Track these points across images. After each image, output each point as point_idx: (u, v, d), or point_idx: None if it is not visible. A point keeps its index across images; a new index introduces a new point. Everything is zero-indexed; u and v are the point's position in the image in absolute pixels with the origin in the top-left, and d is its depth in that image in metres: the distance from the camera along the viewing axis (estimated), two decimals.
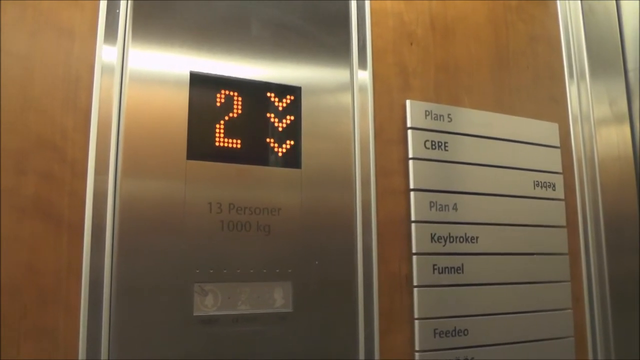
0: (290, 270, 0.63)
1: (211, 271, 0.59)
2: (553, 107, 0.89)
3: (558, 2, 0.96)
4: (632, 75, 1.00)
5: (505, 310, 0.75)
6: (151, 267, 0.57)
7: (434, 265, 0.70)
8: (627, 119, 0.98)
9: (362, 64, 0.72)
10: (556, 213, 0.82)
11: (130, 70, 0.59)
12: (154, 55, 0.60)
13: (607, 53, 0.99)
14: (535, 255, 0.79)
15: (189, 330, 0.57)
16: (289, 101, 0.66)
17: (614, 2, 1.02)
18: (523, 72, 0.88)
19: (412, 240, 0.70)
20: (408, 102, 0.74)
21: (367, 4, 0.75)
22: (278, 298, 0.62)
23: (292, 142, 0.65)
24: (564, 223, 0.83)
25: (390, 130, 0.73)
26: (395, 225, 0.71)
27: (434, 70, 0.79)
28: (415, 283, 0.70)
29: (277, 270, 0.62)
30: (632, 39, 1.02)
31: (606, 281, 0.86)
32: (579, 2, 0.95)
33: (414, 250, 0.70)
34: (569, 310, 0.81)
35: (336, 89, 0.69)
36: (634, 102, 1.00)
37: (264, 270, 0.61)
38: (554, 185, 0.83)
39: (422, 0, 0.81)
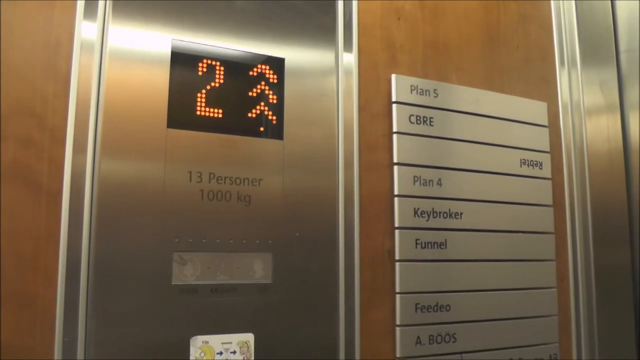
0: (270, 242, 0.62)
1: (190, 240, 0.59)
2: (543, 87, 0.89)
3: None
4: (624, 57, 0.99)
5: (488, 287, 0.75)
6: (130, 234, 0.56)
7: (416, 240, 0.70)
8: (618, 105, 0.98)
9: (348, 39, 0.72)
10: (543, 192, 0.82)
11: (111, 36, 0.58)
12: (136, 22, 0.59)
13: (599, 36, 0.98)
14: (520, 233, 0.79)
15: (167, 298, 0.57)
16: (272, 72, 0.65)
17: None
18: (514, 51, 0.87)
19: (395, 215, 0.70)
20: (394, 76, 0.73)
21: None
22: (258, 269, 0.62)
23: (275, 114, 0.65)
24: (550, 202, 0.83)
25: (375, 104, 0.73)
26: (378, 200, 0.70)
27: (422, 46, 0.79)
28: (397, 257, 0.69)
29: (257, 242, 0.62)
30: (626, 22, 1.01)
31: (592, 262, 0.86)
32: None
33: (396, 225, 0.70)
34: (553, 289, 0.82)
35: (321, 63, 0.69)
36: (626, 88, 0.99)
37: (244, 241, 0.61)
38: (541, 164, 0.82)
39: None
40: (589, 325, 0.85)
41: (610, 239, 0.90)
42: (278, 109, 0.65)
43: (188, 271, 0.59)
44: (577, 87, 0.91)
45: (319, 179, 0.66)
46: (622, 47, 0.99)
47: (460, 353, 0.71)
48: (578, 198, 0.87)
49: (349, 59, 0.71)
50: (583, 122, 0.90)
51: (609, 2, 1.01)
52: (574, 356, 0.84)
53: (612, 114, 0.95)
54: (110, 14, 0.59)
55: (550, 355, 0.79)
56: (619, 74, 0.98)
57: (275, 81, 0.65)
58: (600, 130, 0.92)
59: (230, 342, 0.59)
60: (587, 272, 0.86)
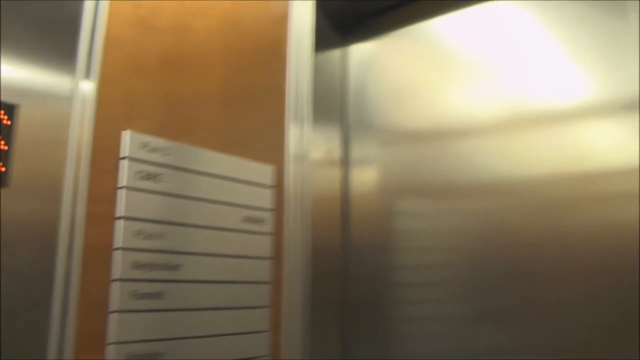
0: None
1: None
2: (273, 150, 1.00)
3: (288, 53, 1.07)
4: (352, 122, 1.17)
5: (202, 334, 0.81)
6: None
7: (133, 291, 0.73)
8: (340, 164, 1.15)
9: (86, 89, 0.73)
10: (262, 246, 0.92)
11: None
12: None
13: (329, 104, 1.15)
14: (238, 284, 0.87)
15: None
16: (6, 117, 0.64)
17: (340, 63, 1.19)
18: (249, 115, 0.97)
19: (114, 267, 0.72)
20: (127, 132, 0.77)
21: (101, 29, 0.76)
22: None
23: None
24: (268, 255, 0.93)
25: (106, 158, 0.75)
26: (99, 251, 0.72)
27: (160, 104, 0.83)
28: (113, 308, 0.72)
29: None
30: (354, 93, 1.19)
31: (305, 306, 0.99)
32: (311, 56, 1.09)
33: (115, 277, 0.72)
34: (266, 333, 0.91)
35: (55, 108, 0.69)
36: (351, 149, 1.17)
37: None
38: (263, 221, 0.93)
39: (157, 33, 0.84)
40: None
41: (326, 281, 1.05)
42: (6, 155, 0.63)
43: None
44: (306, 151, 1.04)
45: (41, 228, 0.66)
46: (351, 116, 1.17)
47: None
48: (297, 249, 1.00)
49: (86, 110, 0.72)
50: (307, 180, 1.03)
51: (340, 74, 1.19)
52: None
53: (336, 171, 1.12)
54: None
55: None
56: (345, 139, 1.16)
57: (6, 127, 0.64)
58: (322, 186, 1.07)
59: None
60: (304, 315, 0.98)
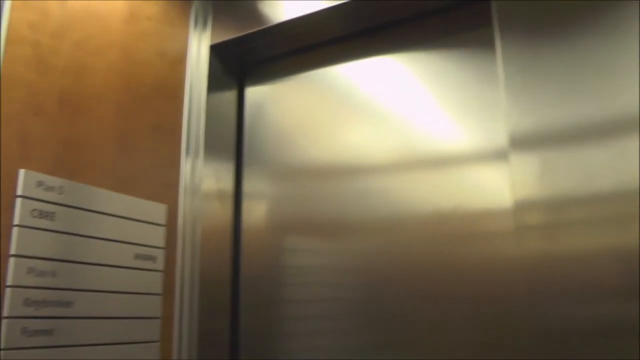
0: None
1: None
2: (166, 189, 1.04)
3: (185, 94, 1.14)
4: (246, 164, 1.24)
5: None
6: None
7: (24, 328, 0.74)
8: (231, 197, 1.21)
9: None
10: (153, 282, 0.96)
11: None
12: None
13: (222, 144, 1.21)
14: (129, 319, 0.90)
15: None
16: None
17: (236, 102, 1.26)
18: (143, 156, 1.01)
19: (6, 304, 0.73)
20: (22, 171, 0.78)
21: None
22: None
23: None
24: (159, 291, 0.97)
25: (3, 196, 0.76)
26: None
27: (56, 143, 0.85)
28: (4, 346, 0.72)
29: None
30: (248, 132, 1.26)
31: (195, 339, 1.03)
32: (205, 96, 1.15)
33: (5, 314, 0.73)
34: None
35: None
36: (243, 184, 1.23)
37: None
38: (154, 258, 0.96)
39: (54, 72, 0.87)
40: None
41: (214, 312, 1.09)
42: None
43: None
44: (198, 187, 1.09)
45: None
46: (245, 154, 1.24)
47: None
48: (187, 285, 1.04)
49: None
50: (198, 218, 1.08)
51: (235, 114, 1.26)
52: None
53: (228, 207, 1.18)
54: None
55: None
56: (238, 176, 1.22)
57: None
58: (212, 221, 1.13)
59: None
60: (190, 350, 1.02)
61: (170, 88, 1.11)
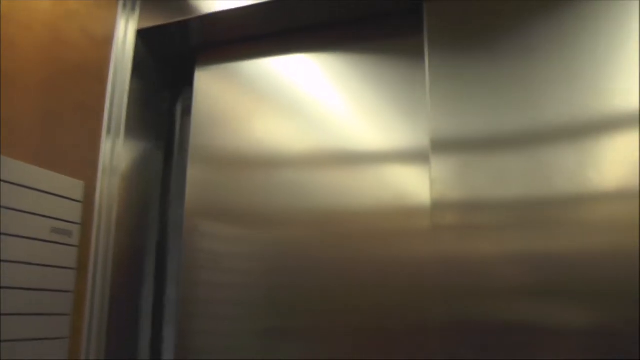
0: None
1: None
2: (85, 167, 1.07)
3: (110, 76, 1.16)
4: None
5: (3, 339, 0.85)
6: None
7: None
8: (152, 180, 1.24)
9: None
10: (68, 257, 0.98)
11: None
12: None
13: (145, 125, 1.23)
14: (42, 291, 0.92)
15: None
16: None
17: (164, 88, 1.29)
18: (64, 133, 1.03)
19: None
20: None
21: None
22: None
23: None
24: (74, 265, 1.00)
25: None
26: None
27: None
28: None
29: None
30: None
31: (106, 314, 1.06)
32: (128, 78, 1.17)
33: None
34: (66, 339, 0.97)
35: None
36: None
37: None
38: (70, 233, 0.99)
39: None
40: None
41: (126, 288, 1.13)
42: None
43: None
44: (117, 167, 1.12)
45: None
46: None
47: None
48: (102, 261, 1.07)
49: None
50: (115, 200, 1.11)
51: (160, 99, 1.28)
52: None
53: (146, 187, 1.21)
54: None
55: None
56: (160, 158, 1.25)
57: None
58: (134, 202, 1.16)
59: None
60: (101, 324, 1.05)
61: (96, 68, 1.13)
